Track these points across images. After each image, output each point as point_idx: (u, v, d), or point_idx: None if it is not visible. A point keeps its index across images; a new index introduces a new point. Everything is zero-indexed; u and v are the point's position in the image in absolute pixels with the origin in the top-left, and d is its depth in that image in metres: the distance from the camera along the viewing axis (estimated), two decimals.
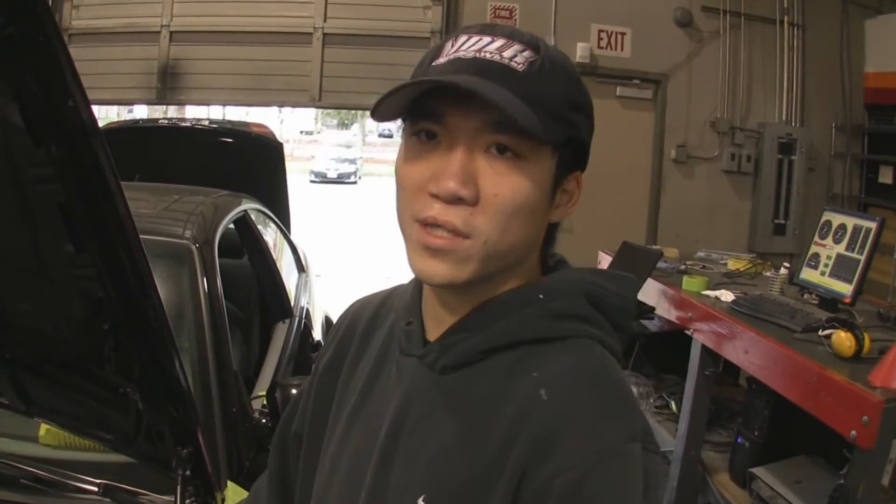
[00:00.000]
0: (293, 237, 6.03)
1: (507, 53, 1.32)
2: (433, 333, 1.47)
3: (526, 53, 1.33)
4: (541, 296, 1.40)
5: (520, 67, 1.32)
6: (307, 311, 5.38)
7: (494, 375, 1.36)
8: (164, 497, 2.65)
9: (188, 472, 2.42)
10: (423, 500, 1.33)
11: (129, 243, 1.84)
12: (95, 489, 2.72)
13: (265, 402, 3.20)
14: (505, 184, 1.30)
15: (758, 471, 4.74)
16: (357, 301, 1.78)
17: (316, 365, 1.75)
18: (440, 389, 1.40)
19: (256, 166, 6.77)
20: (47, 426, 3.04)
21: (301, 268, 5.87)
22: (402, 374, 1.48)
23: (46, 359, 2.41)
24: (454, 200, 1.29)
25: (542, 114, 1.30)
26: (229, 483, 2.71)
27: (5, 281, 2.14)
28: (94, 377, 2.30)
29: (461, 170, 1.29)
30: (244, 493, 2.54)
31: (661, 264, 6.03)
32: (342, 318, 1.76)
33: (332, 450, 1.58)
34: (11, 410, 2.63)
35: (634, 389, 6.16)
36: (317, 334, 5.57)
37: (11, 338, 2.35)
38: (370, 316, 1.67)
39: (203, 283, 3.23)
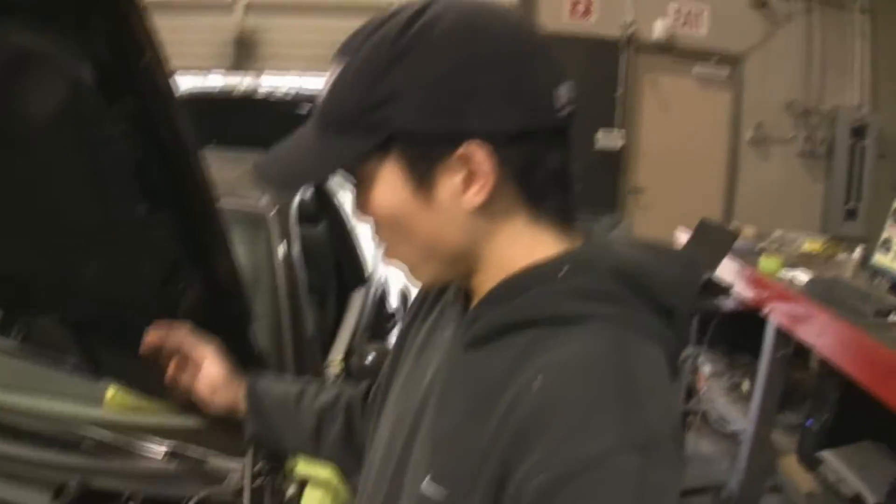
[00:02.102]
0: None
1: (325, 82, 1.32)
2: (471, 307, 1.38)
3: (337, 71, 1.30)
4: (563, 271, 1.27)
5: (323, 95, 1.32)
6: (384, 280, 5.30)
7: (507, 356, 1.25)
8: (233, 461, 2.56)
9: None
10: (429, 479, 1.28)
11: (205, 201, 1.78)
12: (162, 452, 2.65)
13: (340, 369, 3.14)
14: (366, 209, 1.34)
15: (825, 454, 4.66)
16: None
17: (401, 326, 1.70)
18: (462, 365, 1.33)
19: None
20: (114, 389, 3.00)
21: None
22: (442, 345, 1.43)
23: (117, 322, 2.36)
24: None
25: (337, 138, 1.29)
26: None
27: (75, 243, 2.09)
28: None
29: (355, 200, 1.37)
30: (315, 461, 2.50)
31: (737, 243, 5.91)
32: None
33: (385, 413, 1.56)
34: (78, 373, 2.62)
35: (709, 367, 6.12)
36: (394, 304, 5.48)
37: (81, 301, 2.31)
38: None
39: (279, 250, 3.17)
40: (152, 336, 2.02)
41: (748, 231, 6.66)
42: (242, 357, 2.12)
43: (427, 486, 1.28)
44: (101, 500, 2.52)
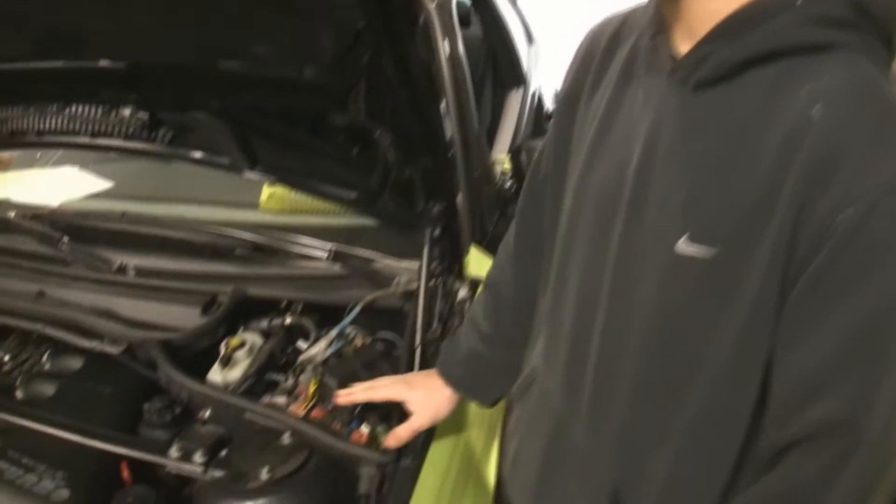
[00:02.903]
0: (521, 8, 5.60)
1: None
2: (682, 48, 1.28)
3: None
4: (798, 1, 1.16)
5: None
6: (539, 81, 5.00)
7: (755, 92, 1.18)
8: (402, 262, 2.39)
9: (437, 232, 2.19)
10: (687, 239, 1.22)
11: None
12: (324, 255, 2.46)
13: (506, 166, 2.95)
14: None
15: None
16: (595, 25, 1.56)
17: (556, 101, 1.60)
18: (694, 110, 1.23)
19: None
20: (270, 191, 2.86)
21: (530, 39, 5.39)
22: (648, 97, 1.32)
23: (281, 110, 2.22)
24: None
25: None
26: (472, 248, 2.43)
27: (241, 23, 1.88)
28: (336, 129, 2.10)
29: None
30: (487, 259, 2.31)
31: None
32: (580, 45, 1.57)
33: (574, 188, 1.47)
34: (233, 171, 2.41)
35: None
36: (550, 106, 5.14)
37: (244, 88, 2.14)
38: (610, 37, 1.48)
39: (443, 44, 2.90)
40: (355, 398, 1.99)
41: None
42: (426, 139, 1.95)
43: (685, 246, 1.22)
44: (256, 311, 2.37)
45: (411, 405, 1.93)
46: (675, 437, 1.35)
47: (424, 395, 1.94)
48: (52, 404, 2.11)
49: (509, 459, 1.82)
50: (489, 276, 1.94)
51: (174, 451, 1.89)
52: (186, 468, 1.87)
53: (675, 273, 1.24)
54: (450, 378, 1.94)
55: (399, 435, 1.89)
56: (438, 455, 1.93)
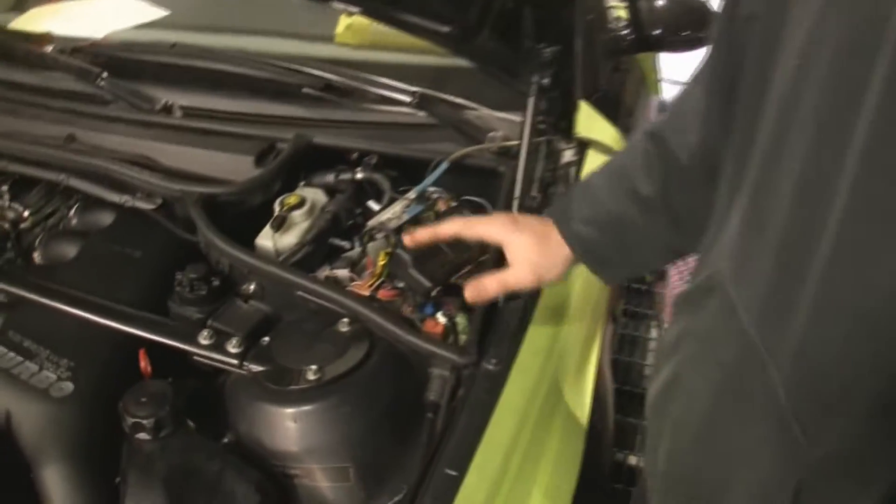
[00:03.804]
0: None
1: None
2: None
3: None
4: None
5: None
6: None
7: None
8: (498, 113, 2.06)
9: (546, 80, 1.82)
10: None
11: None
12: (408, 99, 2.13)
13: (622, 13, 2.59)
14: None
15: None
16: None
17: None
18: None
19: None
20: (348, 21, 2.52)
21: None
22: None
23: None
24: None
25: None
26: (582, 104, 2.08)
27: None
28: None
29: None
30: (598, 117, 2.08)
31: None
32: None
33: (801, 42, 1.05)
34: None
35: None
36: None
37: None
38: None
39: None
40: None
41: None
42: None
43: None
44: (322, 164, 2.05)
45: (511, 252, 1.54)
46: None
47: (533, 245, 1.53)
48: (71, 270, 1.80)
49: (660, 381, 1.34)
50: (660, 126, 1.47)
51: (203, 338, 1.56)
52: (217, 358, 1.55)
53: None
54: (575, 238, 1.51)
55: (485, 287, 1.52)
56: (530, 360, 1.53)
